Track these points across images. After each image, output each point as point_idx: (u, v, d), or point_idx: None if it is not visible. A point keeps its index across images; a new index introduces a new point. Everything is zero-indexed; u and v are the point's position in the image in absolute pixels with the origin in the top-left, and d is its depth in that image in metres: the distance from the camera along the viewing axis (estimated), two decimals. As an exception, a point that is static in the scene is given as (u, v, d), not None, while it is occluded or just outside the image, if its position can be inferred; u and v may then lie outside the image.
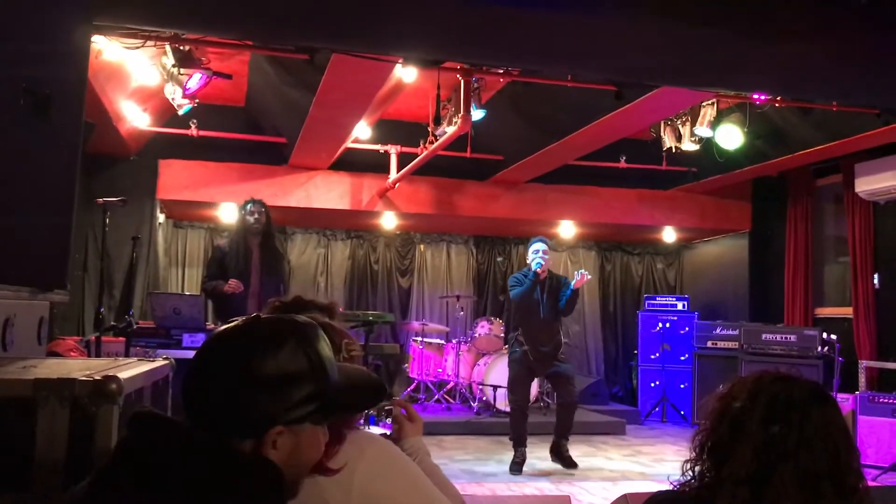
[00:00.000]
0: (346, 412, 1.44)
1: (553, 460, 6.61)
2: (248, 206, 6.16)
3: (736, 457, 1.49)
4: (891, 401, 6.84)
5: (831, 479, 1.45)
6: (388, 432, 1.98)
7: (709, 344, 9.24)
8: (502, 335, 9.52)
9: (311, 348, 1.29)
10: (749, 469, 1.47)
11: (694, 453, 1.60)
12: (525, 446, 6.54)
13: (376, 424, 2.01)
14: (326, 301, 1.89)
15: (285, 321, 1.33)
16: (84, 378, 1.84)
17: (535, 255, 6.57)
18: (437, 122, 6.95)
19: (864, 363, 7.84)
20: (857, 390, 7.35)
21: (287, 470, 1.26)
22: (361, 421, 2.01)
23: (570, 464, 6.57)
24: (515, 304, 6.78)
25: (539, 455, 6.79)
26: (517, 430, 6.57)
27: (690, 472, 1.59)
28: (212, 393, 1.23)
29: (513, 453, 6.56)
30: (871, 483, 6.43)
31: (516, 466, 6.47)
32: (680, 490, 1.59)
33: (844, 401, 7.11)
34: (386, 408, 2.02)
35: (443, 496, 1.69)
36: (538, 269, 6.47)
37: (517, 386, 6.66)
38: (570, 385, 6.66)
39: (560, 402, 6.79)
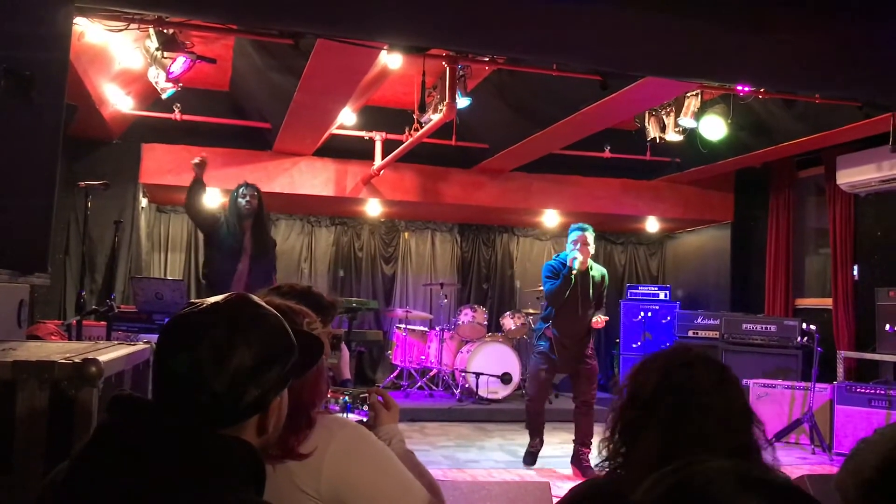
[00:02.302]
0: (311, 366, 1.49)
1: (575, 472, 6.07)
2: (241, 190, 6.14)
3: (645, 439, 1.52)
4: (868, 390, 6.93)
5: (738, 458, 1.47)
6: (365, 419, 1.99)
7: (690, 333, 9.31)
8: (485, 323, 9.57)
9: (278, 322, 1.34)
10: (658, 453, 1.49)
11: (607, 432, 1.62)
12: (541, 437, 6.24)
13: (352, 412, 2.02)
14: (329, 299, 1.93)
15: (246, 303, 1.34)
16: (64, 361, 1.84)
17: (575, 247, 5.94)
18: (423, 109, 6.93)
19: (842, 353, 7.94)
20: (836, 380, 7.44)
21: (276, 431, 1.36)
22: (338, 408, 2.03)
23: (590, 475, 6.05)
24: (552, 300, 6.05)
25: (521, 442, 6.82)
26: (534, 423, 6.24)
27: (605, 452, 1.61)
28: (216, 392, 1.22)
29: (526, 445, 6.32)
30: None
31: (530, 457, 6.25)
32: (598, 478, 1.60)
33: (823, 390, 7.21)
34: (362, 395, 2.04)
35: (414, 479, 1.70)
36: (576, 266, 5.89)
37: (537, 383, 6.20)
38: (592, 385, 6.14)
39: (577, 402, 6.18)
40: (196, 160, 6.17)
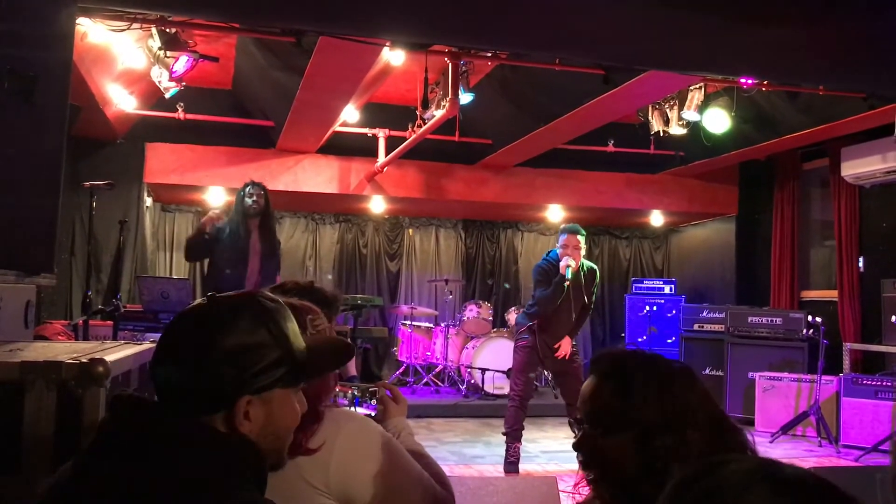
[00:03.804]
0: (315, 374, 1.45)
1: None
2: (248, 189, 6.13)
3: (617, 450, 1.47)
4: (874, 382, 6.92)
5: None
6: (373, 413, 2.00)
7: (695, 327, 9.28)
8: (490, 318, 9.57)
9: (269, 319, 1.30)
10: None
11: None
12: (520, 442, 5.93)
13: (361, 406, 2.03)
14: (332, 293, 1.94)
15: (243, 296, 1.35)
16: (71, 361, 1.85)
17: (565, 252, 5.76)
18: (426, 105, 6.94)
19: (848, 346, 7.93)
20: (842, 372, 7.43)
21: (265, 439, 1.28)
22: (346, 402, 2.03)
23: None
24: (544, 307, 5.85)
25: (527, 437, 6.80)
26: (515, 424, 5.87)
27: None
28: (176, 371, 1.25)
29: (504, 447, 5.93)
30: (854, 464, 6.49)
31: (512, 466, 5.86)
32: None
33: (829, 383, 7.20)
34: (370, 389, 2.04)
35: (422, 471, 1.70)
36: (569, 275, 5.67)
37: (523, 376, 5.93)
38: (578, 384, 6.04)
39: (569, 400, 6.02)
40: (214, 213, 6.15)
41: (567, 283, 5.70)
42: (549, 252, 6.08)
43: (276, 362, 1.28)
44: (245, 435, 1.25)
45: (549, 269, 5.84)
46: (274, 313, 1.32)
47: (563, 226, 6.05)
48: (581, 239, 5.84)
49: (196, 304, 1.32)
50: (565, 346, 5.90)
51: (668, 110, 7.66)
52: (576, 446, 1.51)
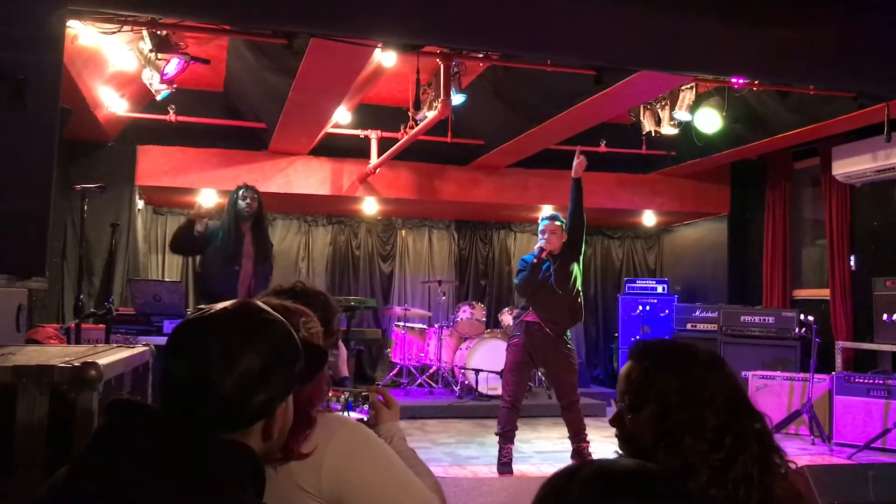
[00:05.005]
0: (314, 375, 1.51)
1: None
2: (241, 192, 6.10)
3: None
4: (866, 380, 6.95)
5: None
6: (366, 418, 2.00)
7: (688, 326, 9.29)
8: (484, 319, 9.58)
9: (288, 325, 1.36)
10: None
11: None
12: (513, 443, 5.91)
13: (354, 410, 2.03)
14: (314, 291, 1.94)
15: (255, 309, 1.36)
16: (63, 365, 1.85)
17: (542, 237, 5.88)
18: (418, 106, 6.94)
19: (840, 344, 7.95)
20: (834, 370, 7.45)
21: (279, 436, 1.37)
22: (339, 407, 2.03)
23: None
24: (521, 290, 5.96)
25: (521, 437, 6.81)
26: (507, 425, 5.85)
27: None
28: (224, 394, 1.24)
29: (497, 448, 5.90)
30: (846, 461, 6.49)
31: (505, 467, 5.83)
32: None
33: (821, 381, 7.22)
34: (363, 394, 2.04)
35: (414, 477, 1.70)
36: (540, 250, 5.79)
37: (513, 376, 5.90)
38: (575, 385, 5.92)
39: (563, 403, 5.92)
40: (203, 206, 6.14)
41: (535, 260, 5.77)
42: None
43: (298, 370, 1.35)
44: (245, 443, 1.26)
45: (530, 261, 5.89)
46: (282, 322, 1.37)
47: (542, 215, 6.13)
48: (559, 224, 5.96)
49: (218, 323, 1.29)
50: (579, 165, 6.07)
51: (659, 110, 7.68)
52: (611, 422, 1.72)
